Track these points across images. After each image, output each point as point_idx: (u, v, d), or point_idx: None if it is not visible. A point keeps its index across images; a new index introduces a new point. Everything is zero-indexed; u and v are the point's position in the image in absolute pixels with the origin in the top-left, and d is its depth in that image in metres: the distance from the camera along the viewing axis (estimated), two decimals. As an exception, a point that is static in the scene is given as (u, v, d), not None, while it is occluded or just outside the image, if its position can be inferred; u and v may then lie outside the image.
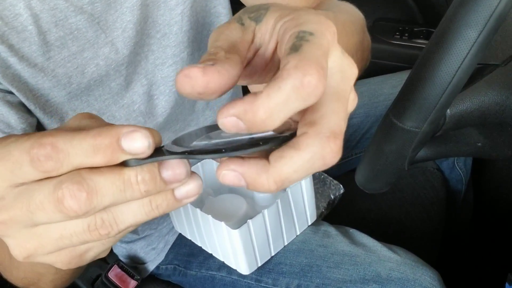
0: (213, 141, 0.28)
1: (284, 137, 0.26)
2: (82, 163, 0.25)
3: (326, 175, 0.92)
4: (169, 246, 0.85)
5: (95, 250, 0.30)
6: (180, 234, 0.82)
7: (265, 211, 0.67)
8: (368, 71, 0.61)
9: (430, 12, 1.21)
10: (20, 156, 0.25)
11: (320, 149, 0.25)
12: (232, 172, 0.26)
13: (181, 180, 0.27)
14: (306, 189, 0.72)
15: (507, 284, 0.72)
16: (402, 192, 0.98)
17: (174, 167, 0.26)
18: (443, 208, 0.98)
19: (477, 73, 0.52)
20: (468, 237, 1.13)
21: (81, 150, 0.25)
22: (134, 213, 0.27)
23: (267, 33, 0.29)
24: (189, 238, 0.78)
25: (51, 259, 0.29)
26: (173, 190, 0.27)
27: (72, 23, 0.57)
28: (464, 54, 0.42)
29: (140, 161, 0.26)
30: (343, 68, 0.27)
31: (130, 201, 0.27)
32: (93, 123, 0.28)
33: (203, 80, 0.25)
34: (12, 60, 0.54)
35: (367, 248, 0.74)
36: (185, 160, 0.27)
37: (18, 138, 0.26)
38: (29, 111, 0.59)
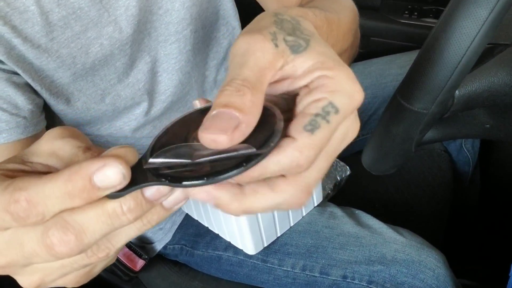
0: (196, 160, 0.27)
1: (265, 154, 0.27)
2: (63, 208, 0.25)
3: (332, 156, 0.92)
4: (176, 226, 0.85)
5: (100, 266, 0.30)
6: (187, 214, 0.83)
7: (271, 192, 0.67)
8: (377, 50, 0.61)
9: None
10: (1, 213, 0.25)
11: (292, 197, 0.28)
12: (205, 193, 0.28)
13: (166, 194, 0.27)
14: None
15: (512, 266, 0.72)
16: (409, 174, 0.98)
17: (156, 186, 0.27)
18: (449, 190, 0.98)
19: (487, 53, 0.51)
20: (474, 219, 1.13)
21: (56, 198, 0.25)
22: (126, 233, 0.28)
23: (301, 71, 0.30)
24: (196, 218, 0.79)
25: (60, 283, 0.29)
26: (161, 202, 0.28)
27: (74, 2, 0.57)
28: (474, 33, 0.41)
29: (121, 193, 0.26)
30: (347, 133, 0.30)
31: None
32: (66, 146, 0.28)
33: (228, 143, 0.26)
34: (16, 41, 0.54)
35: (372, 230, 0.74)
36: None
37: None
38: (35, 92, 0.59)
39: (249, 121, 0.26)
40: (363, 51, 1.11)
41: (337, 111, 0.28)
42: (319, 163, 0.29)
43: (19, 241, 0.26)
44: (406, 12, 1.15)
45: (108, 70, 0.63)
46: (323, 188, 0.84)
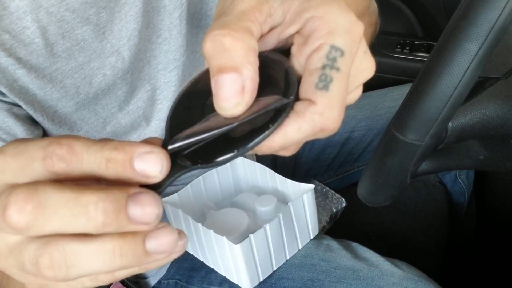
0: (218, 131, 0.25)
1: (289, 104, 0.25)
2: (93, 172, 0.24)
3: (328, 188, 0.92)
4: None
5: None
6: (181, 248, 0.82)
7: (267, 226, 0.67)
8: (370, 85, 0.61)
9: (430, 26, 1.22)
10: (35, 152, 0.24)
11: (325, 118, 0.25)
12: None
13: (148, 222, 0.23)
14: (308, 203, 0.71)
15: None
16: (405, 206, 0.98)
17: (144, 204, 0.23)
18: (445, 221, 0.98)
19: (479, 86, 0.52)
20: (471, 250, 1.13)
21: (95, 158, 0.24)
22: (90, 259, 0.23)
23: (288, 16, 0.27)
24: (191, 252, 0.78)
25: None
26: (143, 240, 0.24)
27: (78, 34, 0.58)
28: (465, 67, 0.42)
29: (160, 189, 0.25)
30: (358, 71, 0.27)
31: (88, 241, 0.23)
32: None
33: (244, 108, 0.25)
34: (20, 73, 0.55)
35: (369, 263, 0.73)
36: (159, 199, 0.24)
37: (39, 139, 0.25)
38: (34, 123, 0.59)
39: (251, 75, 0.25)
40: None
41: (342, 53, 0.25)
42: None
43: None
44: (398, 46, 1.18)
45: (110, 98, 0.63)
46: (319, 221, 0.83)
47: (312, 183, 0.82)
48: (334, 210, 0.89)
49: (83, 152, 0.24)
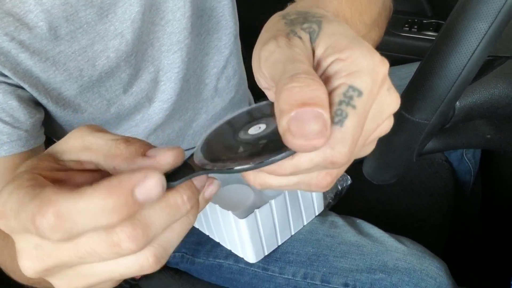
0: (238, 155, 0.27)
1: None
2: (94, 227, 0.22)
3: (334, 165, 0.92)
4: (177, 234, 0.85)
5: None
6: (188, 222, 0.83)
7: (272, 201, 0.67)
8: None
9: (439, 4, 1.20)
10: (27, 223, 0.23)
11: (313, 178, 0.28)
12: None
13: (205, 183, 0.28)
14: (313, 179, 0.72)
15: (513, 276, 0.72)
16: (410, 184, 0.98)
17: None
18: (451, 200, 0.98)
19: (487, 65, 0.52)
20: (475, 228, 1.13)
21: (90, 214, 0.22)
22: (177, 232, 0.27)
23: (316, 59, 0.28)
24: (197, 226, 0.79)
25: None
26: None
27: (82, 17, 0.58)
28: (474, 46, 0.42)
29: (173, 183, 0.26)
30: (383, 109, 0.28)
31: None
32: (99, 140, 0.27)
33: (324, 143, 0.25)
34: (23, 56, 0.55)
35: (374, 239, 0.74)
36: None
37: (20, 197, 0.23)
38: (37, 106, 0.60)
39: (329, 115, 0.25)
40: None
41: (360, 93, 0.25)
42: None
43: (74, 241, 0.24)
44: (406, 25, 1.16)
45: (114, 81, 0.63)
46: (324, 197, 0.84)
47: (318, 160, 0.82)
48: (339, 187, 0.89)
49: (72, 213, 0.22)
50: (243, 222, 0.65)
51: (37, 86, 0.57)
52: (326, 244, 0.74)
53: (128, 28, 0.61)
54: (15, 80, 0.55)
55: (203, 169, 0.27)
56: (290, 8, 0.34)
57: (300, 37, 0.28)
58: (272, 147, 0.26)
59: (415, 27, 1.16)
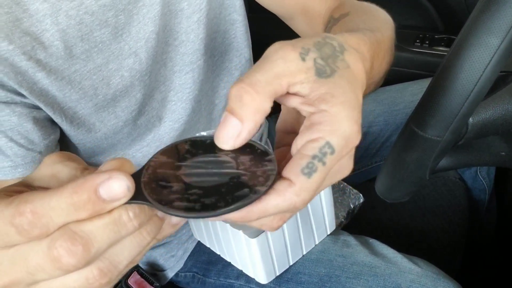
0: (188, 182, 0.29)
1: (255, 198, 0.28)
2: (68, 220, 0.25)
3: (345, 184, 0.92)
4: (188, 254, 0.85)
5: None
6: (199, 241, 0.82)
7: (284, 220, 0.67)
8: (388, 79, 0.60)
9: (450, 20, 1.20)
10: (5, 227, 0.25)
11: (267, 220, 0.33)
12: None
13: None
14: (325, 198, 0.71)
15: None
16: (424, 202, 0.97)
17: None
18: (465, 218, 0.96)
19: (500, 81, 0.51)
20: (491, 248, 1.11)
21: (62, 210, 0.25)
22: (128, 249, 0.27)
23: (312, 95, 0.31)
24: (208, 246, 0.78)
25: None
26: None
27: (97, 37, 0.58)
28: (486, 62, 0.41)
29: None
30: (340, 171, 0.32)
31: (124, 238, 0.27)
32: (65, 168, 0.29)
33: (231, 148, 0.31)
34: (40, 75, 0.55)
35: (387, 259, 0.72)
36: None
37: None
38: (52, 126, 0.60)
39: (250, 129, 0.29)
40: (375, 79, 1.12)
41: (333, 151, 0.29)
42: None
43: (24, 256, 0.25)
44: (417, 41, 1.16)
45: (129, 101, 0.64)
46: (336, 216, 0.83)
47: (330, 178, 0.81)
48: (352, 206, 0.88)
49: (47, 210, 0.25)
50: (254, 241, 0.64)
51: (53, 105, 0.58)
52: (339, 264, 0.73)
53: (142, 48, 0.62)
54: (31, 99, 0.56)
55: (150, 201, 0.27)
56: (342, 35, 0.36)
57: (303, 59, 0.30)
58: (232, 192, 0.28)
59: (427, 42, 1.15)
